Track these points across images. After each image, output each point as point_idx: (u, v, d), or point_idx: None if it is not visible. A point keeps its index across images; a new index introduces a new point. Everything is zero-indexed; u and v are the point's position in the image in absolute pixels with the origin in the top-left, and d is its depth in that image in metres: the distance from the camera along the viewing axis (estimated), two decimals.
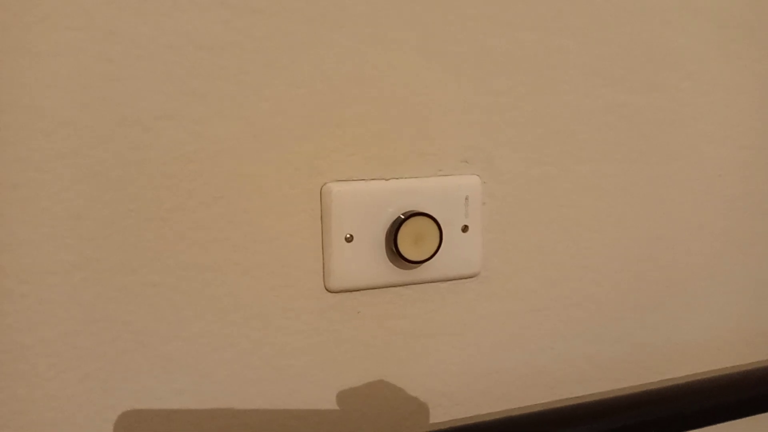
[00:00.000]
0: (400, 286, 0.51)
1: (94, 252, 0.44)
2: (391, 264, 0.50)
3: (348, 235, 0.48)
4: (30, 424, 0.44)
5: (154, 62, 0.43)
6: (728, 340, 0.65)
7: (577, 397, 0.60)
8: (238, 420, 0.49)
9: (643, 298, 0.60)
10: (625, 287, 0.59)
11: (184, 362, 0.47)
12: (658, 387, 0.59)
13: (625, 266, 0.59)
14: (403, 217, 0.48)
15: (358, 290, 0.50)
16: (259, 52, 0.45)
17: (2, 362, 0.43)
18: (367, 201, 0.48)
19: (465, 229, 0.51)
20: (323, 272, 0.49)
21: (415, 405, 0.54)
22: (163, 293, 0.46)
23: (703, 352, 0.64)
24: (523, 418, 0.54)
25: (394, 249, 0.48)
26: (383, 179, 0.49)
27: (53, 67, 0.41)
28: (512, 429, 0.52)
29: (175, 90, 0.44)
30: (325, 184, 0.48)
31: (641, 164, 0.58)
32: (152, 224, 0.45)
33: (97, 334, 0.45)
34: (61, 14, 0.41)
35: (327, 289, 0.49)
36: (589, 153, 0.56)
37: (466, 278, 0.53)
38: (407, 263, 0.49)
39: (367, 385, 0.52)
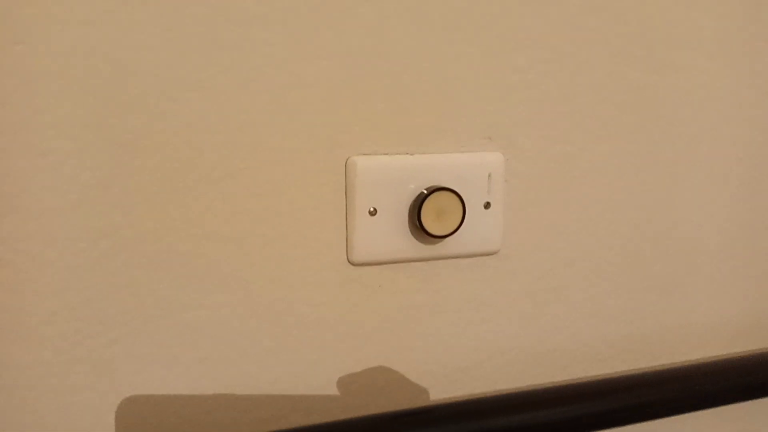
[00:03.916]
0: (421, 261, 0.51)
1: (121, 220, 0.44)
2: (413, 238, 0.50)
3: (372, 209, 0.48)
4: (55, 388, 0.45)
5: (181, 34, 0.43)
6: (746, 322, 0.65)
7: (592, 375, 0.60)
8: (258, 387, 0.49)
9: (660, 279, 0.60)
10: (642, 268, 0.59)
11: (207, 330, 0.47)
12: (672, 367, 0.59)
13: (642, 247, 0.59)
14: (426, 191, 0.48)
15: (379, 264, 0.50)
16: (284, 26, 0.45)
17: (29, 326, 0.44)
18: (391, 175, 0.48)
19: (487, 205, 0.51)
20: (346, 245, 0.49)
21: (431, 379, 0.54)
22: (187, 262, 0.46)
23: (719, 334, 0.64)
24: (538, 395, 0.54)
25: (417, 223, 0.48)
26: (408, 154, 0.49)
27: (81, 35, 0.41)
28: (527, 406, 0.53)
29: (201, 62, 0.44)
30: (349, 157, 0.48)
31: (662, 144, 0.58)
32: (178, 194, 0.45)
33: (123, 300, 0.45)
34: None
35: (350, 262, 0.50)
36: (610, 132, 0.56)
37: (486, 255, 0.53)
38: (430, 238, 0.49)
39: (386, 357, 0.52)
